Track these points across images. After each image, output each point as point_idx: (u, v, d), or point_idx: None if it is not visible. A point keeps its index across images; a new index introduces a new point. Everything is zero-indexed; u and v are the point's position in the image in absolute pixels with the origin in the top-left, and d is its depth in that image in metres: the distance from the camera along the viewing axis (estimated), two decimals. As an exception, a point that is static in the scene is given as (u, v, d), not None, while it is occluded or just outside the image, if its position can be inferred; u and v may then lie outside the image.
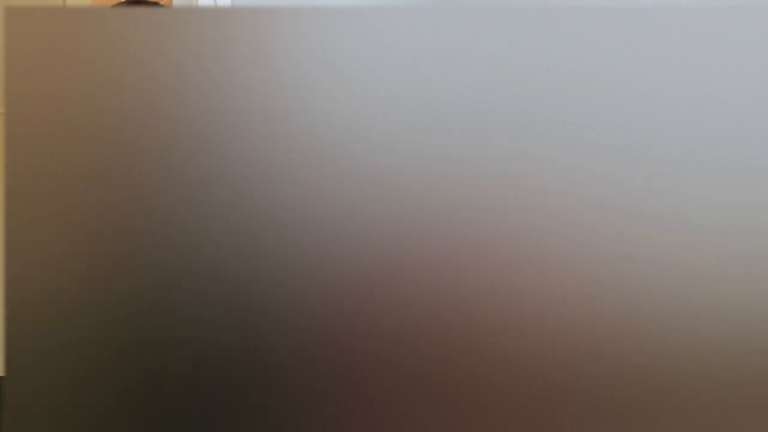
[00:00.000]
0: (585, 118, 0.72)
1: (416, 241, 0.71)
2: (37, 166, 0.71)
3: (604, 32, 0.71)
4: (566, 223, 0.71)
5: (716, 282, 0.71)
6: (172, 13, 0.71)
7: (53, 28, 0.71)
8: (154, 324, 0.71)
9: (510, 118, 0.71)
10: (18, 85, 0.71)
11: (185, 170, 0.71)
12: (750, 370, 0.72)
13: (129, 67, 0.71)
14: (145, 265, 0.71)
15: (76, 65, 0.71)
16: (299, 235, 0.71)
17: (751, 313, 0.72)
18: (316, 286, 0.71)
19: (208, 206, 0.71)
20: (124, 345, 0.71)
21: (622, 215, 0.71)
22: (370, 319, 0.71)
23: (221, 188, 0.71)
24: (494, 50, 0.71)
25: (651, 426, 0.72)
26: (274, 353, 0.71)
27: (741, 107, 0.72)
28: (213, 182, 0.71)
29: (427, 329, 0.71)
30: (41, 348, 0.71)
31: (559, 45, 0.71)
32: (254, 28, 0.71)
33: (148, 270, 0.71)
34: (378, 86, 0.71)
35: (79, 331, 0.71)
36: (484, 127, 0.71)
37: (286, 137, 0.71)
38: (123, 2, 1.51)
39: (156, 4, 1.55)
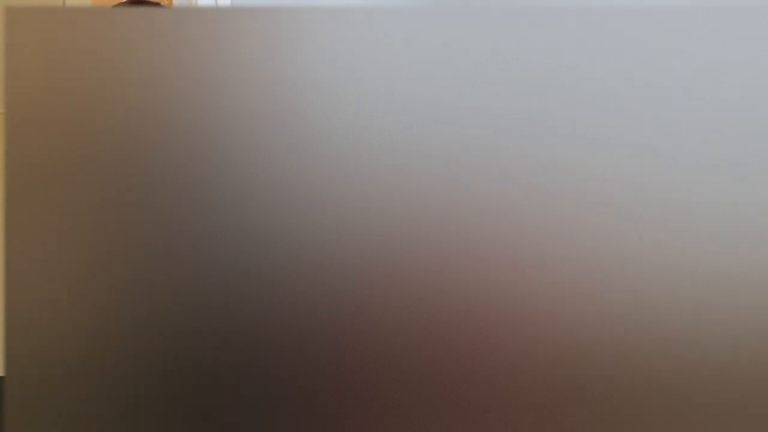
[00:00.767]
0: (585, 117, 0.71)
1: (416, 241, 0.71)
2: (37, 165, 0.71)
3: (604, 32, 0.71)
4: (567, 223, 0.71)
5: (717, 282, 0.71)
6: (172, 13, 0.71)
7: (53, 28, 0.71)
8: (155, 324, 0.71)
9: (510, 118, 0.71)
10: (18, 85, 0.71)
11: (185, 170, 0.71)
12: (750, 371, 0.72)
13: (129, 67, 0.71)
14: (146, 265, 0.71)
15: (76, 65, 0.71)
16: (299, 234, 0.71)
17: (751, 313, 0.72)
18: (316, 286, 0.71)
19: (208, 206, 0.71)
20: (124, 345, 0.71)
21: (623, 215, 0.71)
22: (370, 319, 0.71)
23: (221, 188, 0.71)
24: (494, 50, 0.71)
25: (651, 426, 0.72)
26: (274, 353, 0.71)
27: (741, 107, 0.72)
28: (213, 182, 0.71)
29: (427, 329, 0.71)
30: (41, 348, 0.71)
31: (559, 45, 0.71)
32: (254, 28, 0.71)
33: (149, 270, 0.71)
34: (378, 86, 0.71)
35: (79, 331, 0.71)
36: (484, 127, 0.71)
37: (286, 137, 0.71)
38: (123, 2, 1.51)
39: (156, 4, 1.55)
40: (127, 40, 0.71)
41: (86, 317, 0.71)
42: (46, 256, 0.71)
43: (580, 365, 0.71)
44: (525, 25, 0.71)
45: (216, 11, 0.71)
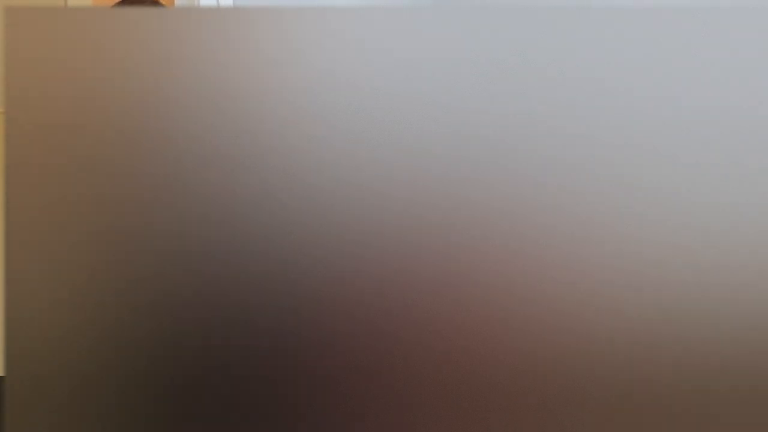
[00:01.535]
0: (585, 117, 0.72)
1: (416, 241, 0.71)
2: (37, 165, 0.71)
3: (604, 32, 0.71)
4: (567, 223, 0.71)
5: (717, 282, 0.71)
6: (172, 13, 0.71)
7: (53, 28, 0.71)
8: (155, 324, 0.71)
9: (510, 117, 0.71)
10: (18, 85, 0.71)
11: (186, 170, 0.71)
12: (751, 371, 0.72)
13: (129, 67, 0.71)
14: (145, 265, 0.71)
15: (76, 65, 0.71)
16: (300, 234, 0.71)
17: (752, 313, 0.72)
18: (316, 286, 0.71)
19: (208, 206, 0.71)
20: (124, 345, 0.71)
21: (623, 215, 0.71)
22: (370, 319, 0.71)
23: (221, 188, 0.71)
24: (494, 50, 0.71)
25: (651, 426, 0.72)
26: (274, 353, 0.71)
27: (741, 107, 0.72)
28: (213, 182, 0.71)
29: (427, 329, 0.71)
30: (41, 348, 0.71)
31: (559, 45, 0.71)
32: (256, 28, 0.71)
33: (148, 270, 0.71)
34: (378, 86, 0.71)
35: (79, 331, 0.71)
36: (484, 126, 0.71)
37: (286, 137, 0.71)
38: (123, 2, 1.51)
39: (157, 3, 1.55)
40: (127, 40, 0.71)
41: (86, 317, 0.71)
42: (46, 256, 0.71)
43: (581, 365, 0.71)
44: (525, 25, 0.71)
45: (217, 11, 0.71)
